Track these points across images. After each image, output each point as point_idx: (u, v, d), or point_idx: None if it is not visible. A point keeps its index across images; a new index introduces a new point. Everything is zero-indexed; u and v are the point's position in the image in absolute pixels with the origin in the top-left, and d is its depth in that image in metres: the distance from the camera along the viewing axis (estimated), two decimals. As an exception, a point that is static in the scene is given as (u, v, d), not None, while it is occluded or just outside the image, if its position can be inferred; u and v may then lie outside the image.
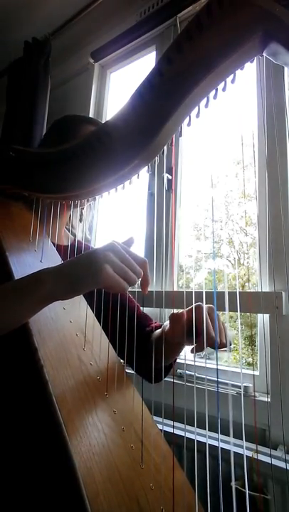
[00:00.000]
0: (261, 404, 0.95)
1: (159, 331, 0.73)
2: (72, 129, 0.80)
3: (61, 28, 1.65)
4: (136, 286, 0.55)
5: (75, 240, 0.86)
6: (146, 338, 0.73)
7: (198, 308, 0.59)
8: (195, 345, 0.58)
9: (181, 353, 0.71)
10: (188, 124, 0.50)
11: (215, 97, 0.47)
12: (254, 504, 0.73)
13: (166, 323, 0.67)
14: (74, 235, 0.89)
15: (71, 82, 1.83)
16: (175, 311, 0.66)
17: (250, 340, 1.17)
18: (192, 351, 0.60)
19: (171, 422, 0.60)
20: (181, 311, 0.64)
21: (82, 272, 0.49)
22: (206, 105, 0.48)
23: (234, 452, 0.65)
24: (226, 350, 0.60)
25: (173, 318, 0.64)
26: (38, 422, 0.46)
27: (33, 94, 1.62)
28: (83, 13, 1.57)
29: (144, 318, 0.80)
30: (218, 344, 0.57)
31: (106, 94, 1.76)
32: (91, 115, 1.70)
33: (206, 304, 0.58)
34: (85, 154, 0.56)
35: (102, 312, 0.63)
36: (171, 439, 0.54)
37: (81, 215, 0.90)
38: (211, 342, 0.57)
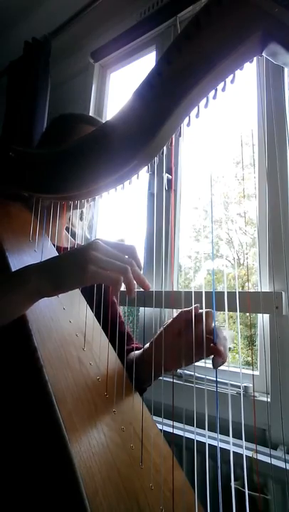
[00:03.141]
0: (261, 404, 0.95)
1: (138, 352, 0.70)
2: (69, 128, 0.80)
3: (61, 28, 1.65)
4: (137, 287, 0.53)
5: (75, 243, 0.86)
6: (126, 355, 0.71)
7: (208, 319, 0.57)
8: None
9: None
10: (188, 124, 0.50)
11: (214, 97, 0.47)
12: (254, 504, 0.73)
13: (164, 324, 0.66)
14: (74, 233, 0.89)
15: (71, 82, 1.83)
16: (174, 311, 0.66)
17: (250, 340, 1.17)
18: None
19: (170, 422, 0.60)
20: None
21: (66, 271, 0.50)
22: (206, 105, 0.48)
23: (234, 452, 0.65)
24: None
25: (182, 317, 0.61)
26: (38, 421, 0.46)
27: (33, 94, 1.62)
28: (83, 13, 1.57)
29: (127, 337, 0.79)
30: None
31: (106, 94, 1.76)
32: (91, 115, 1.70)
33: (205, 303, 0.58)
34: (84, 155, 0.56)
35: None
36: (171, 439, 0.54)
37: (81, 213, 0.90)
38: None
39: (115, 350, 0.61)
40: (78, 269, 0.49)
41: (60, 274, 0.50)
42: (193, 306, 0.60)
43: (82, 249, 0.51)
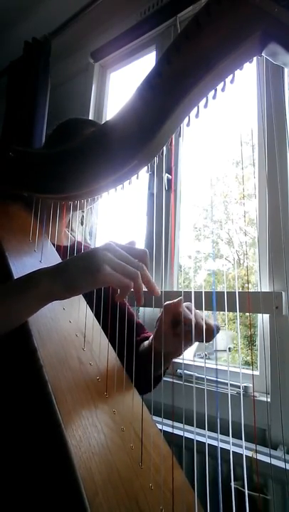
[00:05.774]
0: (261, 404, 0.95)
1: (147, 341, 0.71)
2: (77, 131, 0.80)
3: (61, 28, 1.65)
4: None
5: (74, 240, 0.86)
6: (136, 347, 0.71)
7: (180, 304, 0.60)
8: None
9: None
10: (188, 124, 0.50)
11: (214, 97, 0.47)
12: (254, 504, 0.73)
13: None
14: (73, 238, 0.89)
15: (71, 82, 1.83)
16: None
17: (250, 340, 1.17)
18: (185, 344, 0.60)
19: (170, 422, 0.60)
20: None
21: (79, 273, 0.49)
22: (206, 105, 0.48)
23: (234, 452, 0.65)
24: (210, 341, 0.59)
25: (166, 309, 0.64)
26: (37, 421, 0.46)
27: (33, 94, 1.61)
28: (83, 13, 1.57)
29: (138, 327, 0.79)
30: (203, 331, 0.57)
31: (106, 94, 1.76)
32: (91, 115, 1.70)
33: (205, 303, 0.58)
34: (84, 154, 0.56)
35: (102, 317, 0.63)
36: (171, 439, 0.54)
37: (82, 218, 0.90)
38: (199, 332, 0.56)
39: (125, 341, 0.61)
40: (92, 269, 0.48)
41: (73, 276, 0.49)
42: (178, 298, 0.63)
43: (95, 250, 0.51)
